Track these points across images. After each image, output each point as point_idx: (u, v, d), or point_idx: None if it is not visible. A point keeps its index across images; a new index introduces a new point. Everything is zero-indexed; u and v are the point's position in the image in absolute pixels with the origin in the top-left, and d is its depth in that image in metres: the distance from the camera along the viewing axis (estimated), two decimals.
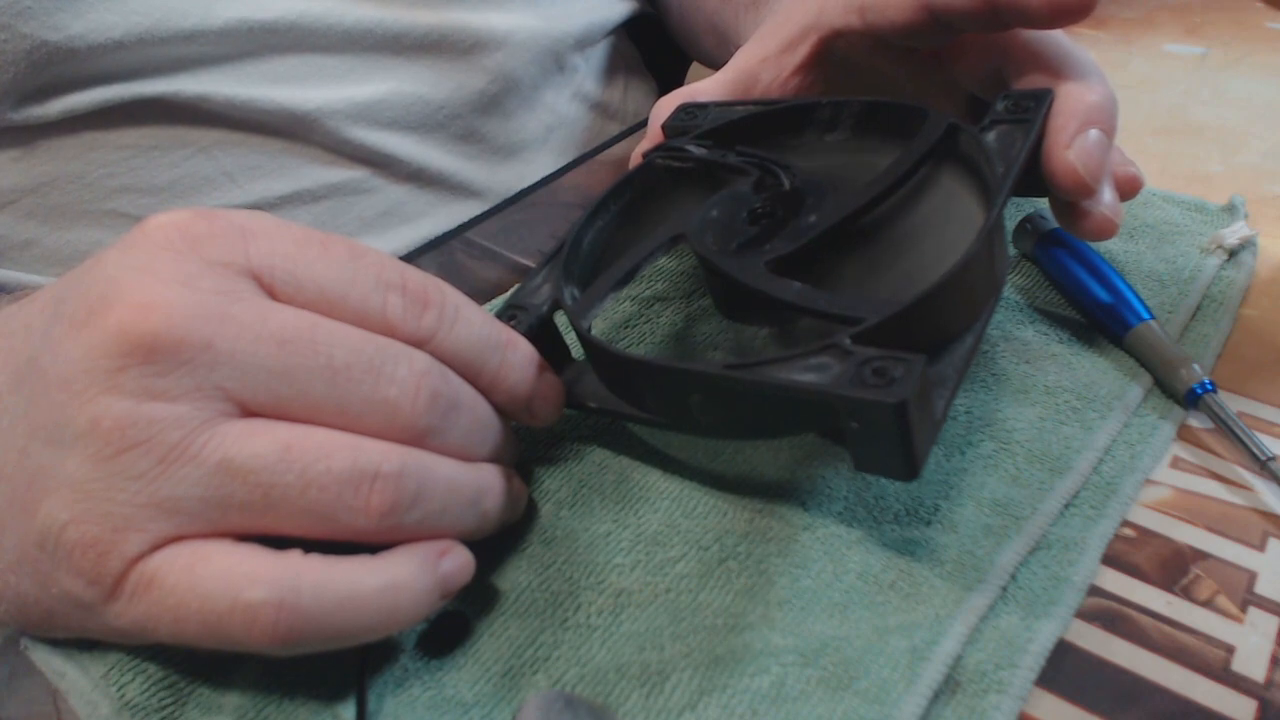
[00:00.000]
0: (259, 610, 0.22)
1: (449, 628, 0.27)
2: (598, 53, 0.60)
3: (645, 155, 0.38)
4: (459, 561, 0.26)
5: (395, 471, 0.24)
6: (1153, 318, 0.34)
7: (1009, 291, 0.38)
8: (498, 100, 0.52)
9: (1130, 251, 0.40)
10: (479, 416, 0.27)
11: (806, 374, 0.25)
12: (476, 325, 0.28)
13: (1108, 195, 0.31)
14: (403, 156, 0.49)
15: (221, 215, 0.25)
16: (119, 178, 0.43)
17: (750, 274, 0.30)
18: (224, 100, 0.43)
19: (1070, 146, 0.30)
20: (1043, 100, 0.31)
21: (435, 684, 0.26)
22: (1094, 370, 0.34)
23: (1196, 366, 0.33)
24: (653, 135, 0.40)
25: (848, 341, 0.25)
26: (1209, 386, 0.32)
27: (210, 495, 0.22)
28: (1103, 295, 0.36)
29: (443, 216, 0.51)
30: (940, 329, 0.27)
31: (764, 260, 0.30)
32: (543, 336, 0.32)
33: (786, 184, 0.34)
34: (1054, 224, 0.39)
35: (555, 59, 0.55)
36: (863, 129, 0.35)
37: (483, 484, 0.27)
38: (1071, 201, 0.31)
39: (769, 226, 0.32)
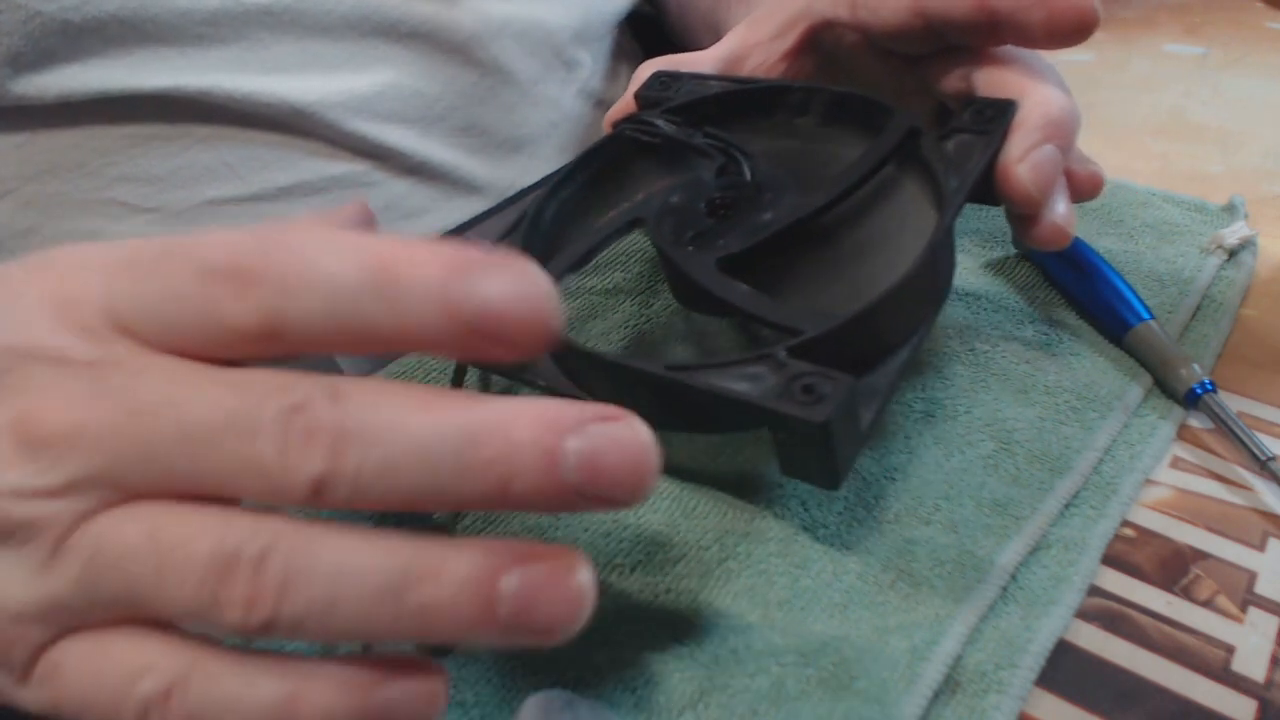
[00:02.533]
0: (149, 702, 0.20)
1: None
2: (604, 49, 0.60)
3: (615, 125, 0.38)
4: (411, 691, 0.20)
5: (255, 556, 0.19)
6: (1153, 318, 0.34)
7: (1009, 291, 0.38)
8: (494, 92, 0.52)
9: (1130, 251, 0.40)
10: (397, 432, 0.19)
11: (740, 383, 0.25)
12: (323, 271, 0.19)
13: (1060, 207, 0.31)
14: (404, 150, 0.49)
15: (84, 262, 0.22)
16: (119, 166, 0.43)
17: (701, 271, 0.31)
18: (225, 94, 0.43)
19: (1023, 160, 0.30)
20: (1005, 112, 0.31)
21: None
22: (1094, 370, 0.34)
23: (1196, 366, 0.33)
24: (626, 102, 0.40)
25: (783, 354, 0.25)
26: (1209, 386, 0.32)
27: (87, 593, 0.20)
28: (1103, 295, 0.36)
29: (445, 212, 0.51)
30: (876, 343, 0.28)
31: (715, 258, 0.31)
32: None
33: (747, 175, 0.34)
34: None
35: (554, 53, 0.55)
36: (831, 118, 0.36)
37: (408, 563, 0.19)
38: (1021, 213, 0.32)
39: (725, 219, 0.33)
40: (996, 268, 0.40)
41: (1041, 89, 0.32)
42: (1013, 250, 0.40)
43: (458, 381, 0.34)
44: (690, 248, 0.32)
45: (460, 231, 0.47)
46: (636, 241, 0.42)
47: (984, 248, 0.41)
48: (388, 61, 0.48)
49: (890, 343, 0.28)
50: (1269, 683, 0.25)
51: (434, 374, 0.36)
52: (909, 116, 0.33)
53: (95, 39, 0.40)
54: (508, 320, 0.19)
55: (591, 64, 0.58)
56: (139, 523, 0.20)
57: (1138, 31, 0.63)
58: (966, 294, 0.38)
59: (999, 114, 0.31)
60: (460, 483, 0.19)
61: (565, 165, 0.36)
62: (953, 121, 0.32)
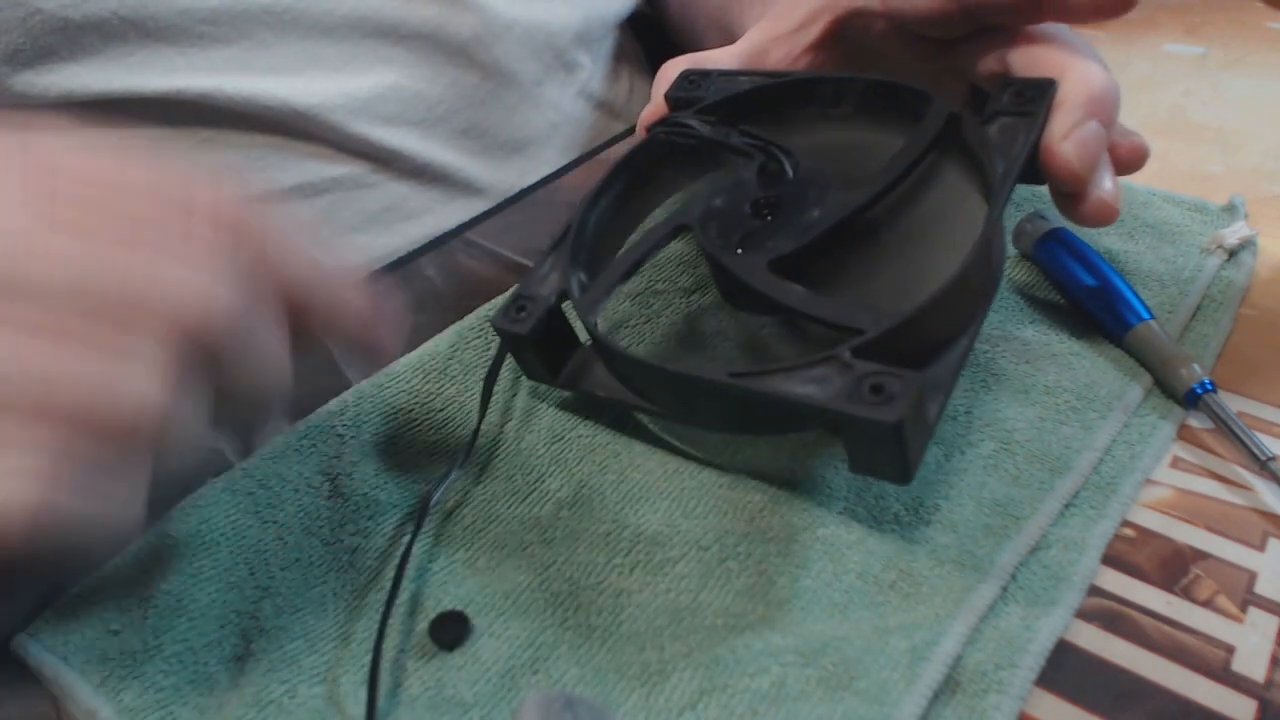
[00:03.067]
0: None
1: (449, 628, 0.27)
2: (604, 51, 0.60)
3: (649, 129, 0.38)
4: None
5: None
6: (1153, 318, 0.34)
7: (1009, 291, 0.38)
8: (496, 94, 0.52)
9: (1130, 251, 0.40)
10: (272, 362, 0.25)
11: (807, 386, 0.26)
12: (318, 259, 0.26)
13: (1106, 183, 0.31)
14: (405, 152, 0.49)
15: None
16: None
17: (753, 274, 0.31)
18: (226, 97, 0.43)
19: (1067, 138, 0.30)
20: (1046, 92, 0.31)
21: (435, 684, 0.26)
22: (1094, 370, 0.34)
23: (1196, 366, 0.33)
24: (656, 104, 0.40)
25: (847, 355, 0.26)
26: (1209, 386, 0.32)
27: None
28: (1103, 295, 0.35)
29: (445, 214, 0.51)
30: (936, 336, 0.27)
31: (766, 260, 0.31)
32: (551, 325, 0.32)
33: (790, 173, 0.34)
34: (1054, 224, 0.39)
35: (555, 55, 0.55)
36: (866, 107, 0.36)
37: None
38: (1068, 191, 0.31)
39: (772, 219, 0.33)
40: None
41: (1081, 65, 0.32)
42: (1013, 250, 0.40)
43: (492, 376, 0.35)
44: (739, 250, 0.32)
45: (460, 232, 0.47)
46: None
47: None
48: (389, 63, 0.48)
49: (949, 333, 0.28)
50: (1269, 683, 0.25)
51: (472, 365, 0.36)
52: (948, 102, 0.32)
53: (95, 36, 0.40)
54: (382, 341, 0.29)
55: (591, 65, 0.58)
56: None
57: (1138, 31, 0.63)
58: None
59: (1040, 94, 0.31)
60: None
61: (604, 174, 0.36)
62: (992, 104, 0.32)
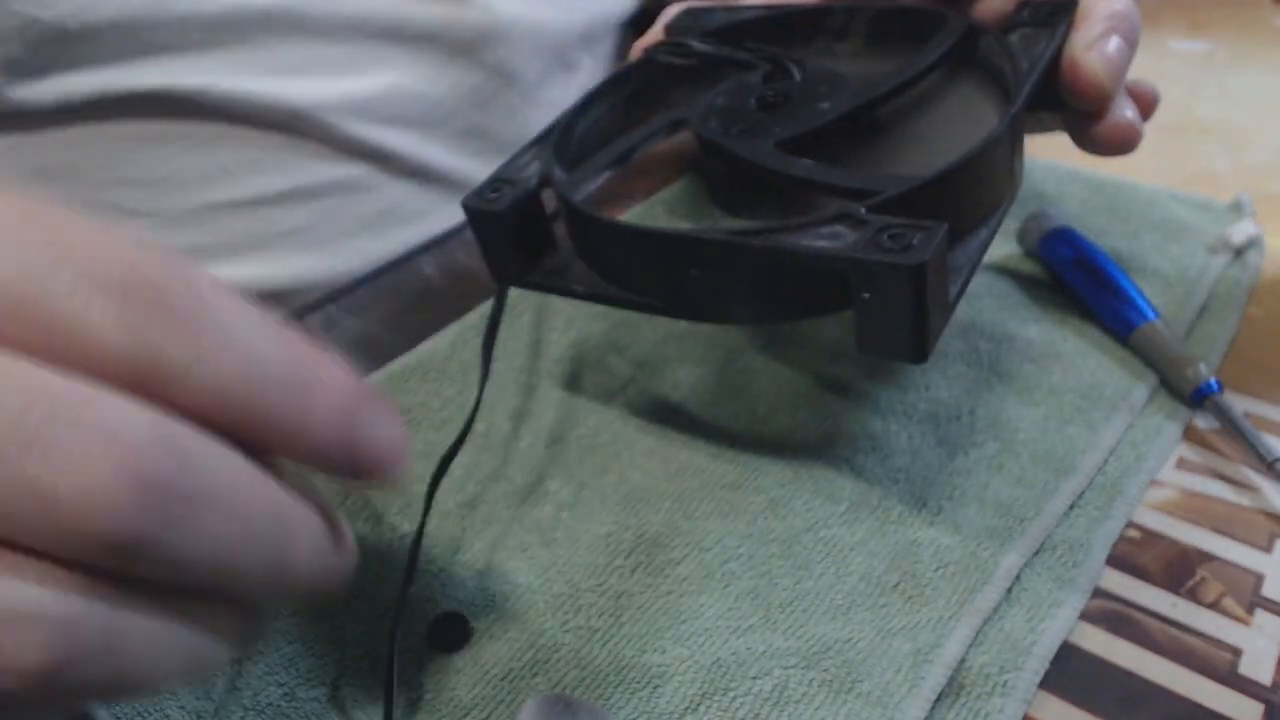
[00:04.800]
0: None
1: (449, 630, 0.27)
2: (605, 51, 0.60)
3: (647, 50, 0.36)
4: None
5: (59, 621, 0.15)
6: (1158, 317, 0.34)
7: (1012, 289, 0.38)
8: (498, 95, 0.51)
9: (1135, 250, 0.40)
10: (248, 516, 0.16)
11: (819, 240, 0.23)
12: (259, 346, 0.17)
13: (1127, 109, 0.30)
14: (404, 153, 0.49)
15: None
16: (115, 170, 0.43)
17: (759, 153, 0.28)
18: (222, 94, 0.42)
19: (1091, 48, 0.29)
20: (1067, 6, 0.30)
21: (434, 687, 0.26)
22: (1099, 370, 0.34)
23: (1202, 366, 0.32)
24: (655, 34, 0.38)
25: (863, 211, 0.24)
26: (1215, 387, 0.32)
27: None
28: (1108, 294, 0.35)
29: (445, 215, 0.51)
30: (957, 213, 0.25)
31: (774, 141, 0.29)
32: (527, 214, 0.30)
33: (798, 76, 0.32)
34: (1059, 222, 0.38)
35: (558, 55, 0.54)
36: (877, 37, 0.34)
37: (207, 649, 0.17)
38: (1088, 111, 0.30)
39: (778, 114, 0.31)
40: (1001, 266, 0.40)
41: None
42: (1018, 248, 0.40)
43: (493, 329, 0.33)
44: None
45: (461, 232, 0.47)
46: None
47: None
48: (391, 64, 0.47)
49: (968, 220, 0.26)
50: (1276, 686, 0.25)
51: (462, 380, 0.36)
52: (964, 18, 0.31)
53: (92, 46, 0.40)
54: (382, 461, 0.19)
55: (592, 65, 0.58)
56: None
57: (1143, 28, 0.63)
58: (970, 292, 0.38)
59: (1059, 8, 0.30)
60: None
61: (595, 86, 0.34)
62: (1011, 19, 0.31)
